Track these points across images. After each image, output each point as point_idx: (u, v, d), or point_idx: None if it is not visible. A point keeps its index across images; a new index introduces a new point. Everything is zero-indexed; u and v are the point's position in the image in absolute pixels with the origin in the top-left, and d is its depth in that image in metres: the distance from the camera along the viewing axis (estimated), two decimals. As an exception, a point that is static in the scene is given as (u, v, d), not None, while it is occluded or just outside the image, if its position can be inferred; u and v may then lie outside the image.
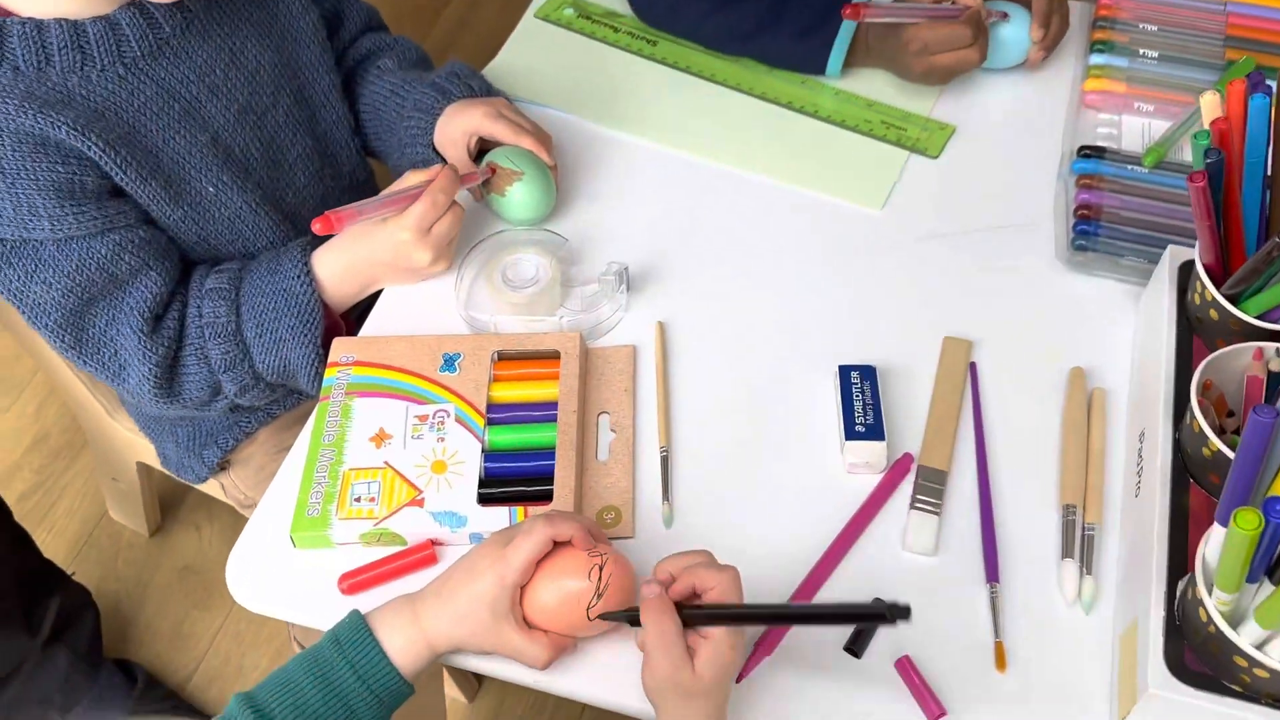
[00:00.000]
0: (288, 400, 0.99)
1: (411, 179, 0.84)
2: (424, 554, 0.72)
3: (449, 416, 0.77)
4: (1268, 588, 0.58)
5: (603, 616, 0.65)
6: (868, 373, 0.79)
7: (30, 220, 0.78)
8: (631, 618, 0.64)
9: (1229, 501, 0.57)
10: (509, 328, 0.84)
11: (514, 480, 0.75)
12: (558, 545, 0.66)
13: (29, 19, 0.76)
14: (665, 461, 0.77)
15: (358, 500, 0.73)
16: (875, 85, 1.03)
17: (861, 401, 0.78)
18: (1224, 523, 0.58)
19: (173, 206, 0.84)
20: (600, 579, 0.64)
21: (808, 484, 0.76)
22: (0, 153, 0.75)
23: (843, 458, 0.77)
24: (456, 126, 0.92)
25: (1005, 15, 1.00)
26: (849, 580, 0.72)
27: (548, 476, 0.74)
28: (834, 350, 0.83)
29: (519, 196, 0.88)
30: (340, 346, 0.82)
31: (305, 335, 0.84)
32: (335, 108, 0.97)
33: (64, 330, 0.82)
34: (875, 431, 0.76)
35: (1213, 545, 0.59)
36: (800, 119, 1.01)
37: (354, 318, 0.91)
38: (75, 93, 0.78)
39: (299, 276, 0.84)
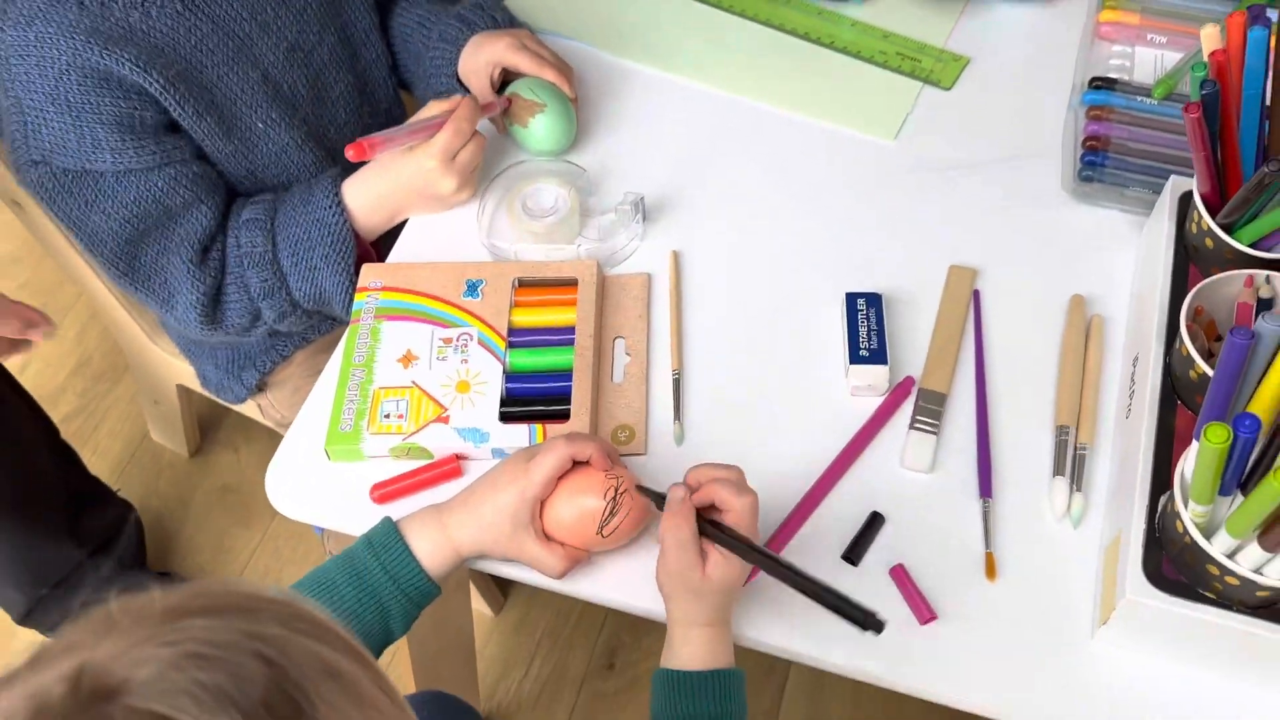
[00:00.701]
0: (323, 325, 1.03)
1: (433, 109, 0.87)
2: (449, 467, 0.77)
3: (472, 339, 0.81)
4: (1240, 500, 0.61)
5: (639, 488, 0.69)
6: (873, 300, 0.82)
7: (93, 153, 0.81)
8: (659, 501, 0.68)
9: (1205, 418, 0.60)
10: (529, 255, 0.87)
11: (533, 400, 0.79)
12: (577, 465, 0.70)
13: None
14: (677, 383, 0.81)
15: (387, 417, 0.77)
16: (892, 17, 1.04)
17: (866, 327, 0.81)
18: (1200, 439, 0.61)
19: (225, 141, 0.88)
20: (615, 499, 0.69)
21: (813, 405, 0.80)
22: (67, 87, 0.79)
23: (847, 381, 0.80)
24: (480, 57, 0.94)
25: None
26: (849, 495, 0.76)
27: (565, 396, 0.78)
28: (843, 278, 0.86)
29: (540, 128, 0.91)
30: (369, 272, 0.86)
31: (338, 263, 0.88)
32: (375, 45, 0.99)
33: (118, 259, 0.87)
34: (879, 356, 0.79)
35: (1190, 461, 0.62)
36: (816, 50, 1.02)
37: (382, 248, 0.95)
38: (137, 29, 0.81)
39: (330, 207, 0.88)
